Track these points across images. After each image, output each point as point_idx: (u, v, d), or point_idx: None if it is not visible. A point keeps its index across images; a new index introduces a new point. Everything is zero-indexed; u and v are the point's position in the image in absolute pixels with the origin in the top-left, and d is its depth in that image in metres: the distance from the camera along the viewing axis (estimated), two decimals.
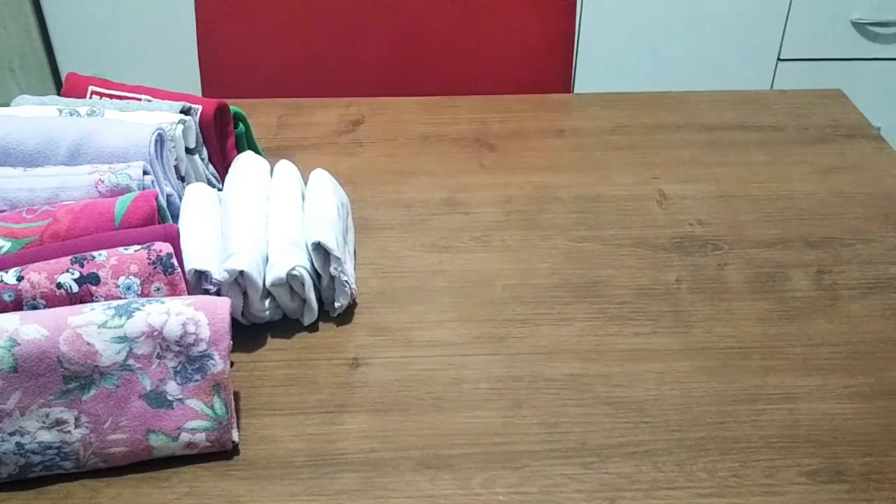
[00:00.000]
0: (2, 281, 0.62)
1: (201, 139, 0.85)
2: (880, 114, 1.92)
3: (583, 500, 0.59)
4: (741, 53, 1.94)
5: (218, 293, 0.70)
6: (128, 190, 0.71)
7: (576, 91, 1.60)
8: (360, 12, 1.25)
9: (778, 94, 1.11)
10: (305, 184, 0.82)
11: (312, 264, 0.73)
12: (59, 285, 0.62)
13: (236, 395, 0.64)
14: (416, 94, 1.10)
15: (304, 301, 0.73)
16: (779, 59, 1.95)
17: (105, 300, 0.63)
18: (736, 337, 0.73)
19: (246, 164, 0.83)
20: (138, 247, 0.65)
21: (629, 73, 1.95)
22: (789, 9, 1.88)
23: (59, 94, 0.89)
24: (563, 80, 1.29)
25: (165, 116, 0.81)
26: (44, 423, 0.59)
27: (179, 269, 0.65)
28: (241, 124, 0.90)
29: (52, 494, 0.60)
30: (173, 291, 0.65)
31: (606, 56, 1.94)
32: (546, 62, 1.27)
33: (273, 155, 0.96)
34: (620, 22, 1.90)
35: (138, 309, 0.60)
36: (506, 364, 0.69)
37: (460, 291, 0.78)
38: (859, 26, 1.90)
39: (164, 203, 0.73)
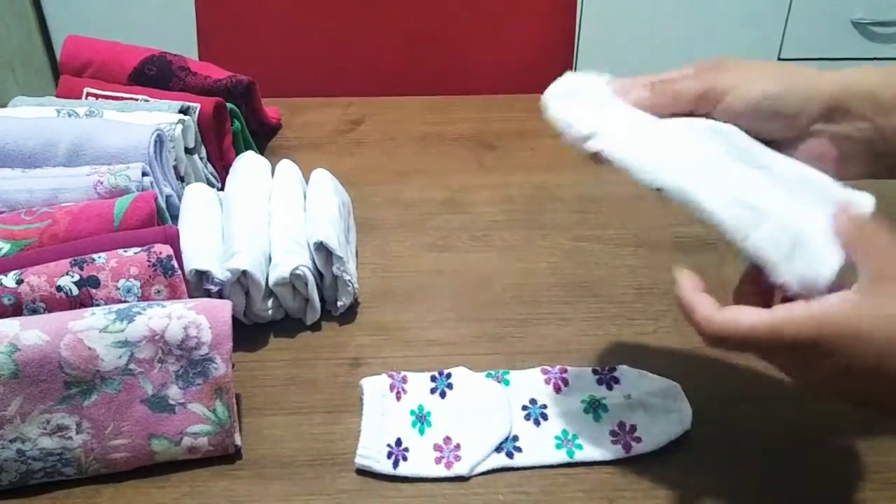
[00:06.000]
0: (1, 284, 0.62)
1: (200, 139, 0.85)
2: None
3: (583, 499, 0.59)
4: (741, 53, 1.93)
5: (220, 293, 0.70)
6: (127, 191, 0.71)
7: None
8: (361, 12, 1.25)
9: None
10: (306, 183, 0.82)
11: (314, 264, 0.73)
12: (59, 288, 0.62)
13: (237, 396, 0.64)
14: (416, 94, 1.10)
15: (307, 300, 0.73)
16: (779, 58, 1.95)
17: (105, 303, 0.63)
18: None
19: (247, 163, 0.83)
20: (138, 249, 0.65)
21: (629, 73, 1.95)
22: (789, 9, 1.88)
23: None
24: None
25: (164, 116, 0.81)
26: (45, 429, 0.58)
27: (179, 272, 0.65)
28: (236, 122, 0.90)
29: (53, 493, 0.60)
30: (173, 294, 0.65)
31: (606, 56, 1.94)
32: (546, 62, 1.27)
33: (273, 155, 0.96)
34: (620, 22, 1.90)
35: (139, 313, 0.60)
36: (506, 364, 0.69)
37: (460, 291, 0.78)
38: (860, 26, 1.90)
39: (163, 204, 0.73)
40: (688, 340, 0.72)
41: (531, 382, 0.67)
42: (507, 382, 0.67)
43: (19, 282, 0.62)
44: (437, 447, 0.62)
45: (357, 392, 0.66)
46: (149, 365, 0.60)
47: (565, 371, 0.68)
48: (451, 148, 0.99)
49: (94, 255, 0.64)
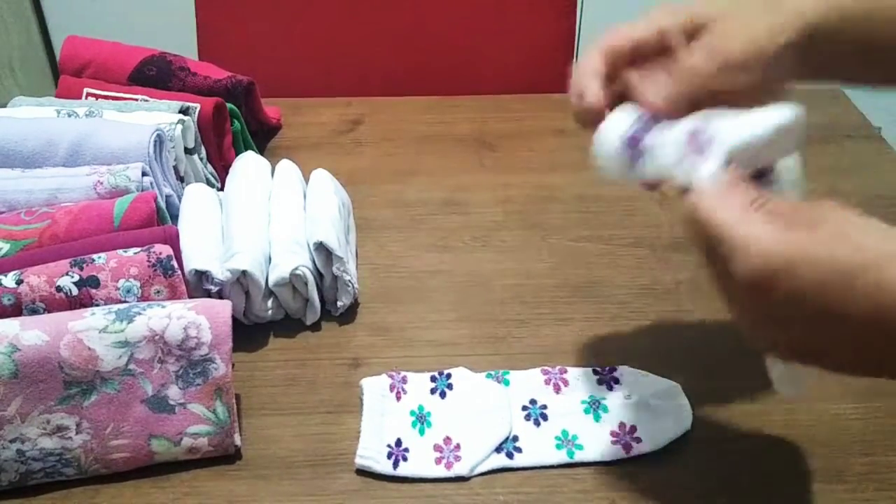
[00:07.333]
0: (1, 284, 0.62)
1: (200, 139, 0.85)
2: (880, 114, 1.92)
3: (583, 500, 0.59)
4: None
5: (220, 293, 0.70)
6: (127, 191, 0.71)
7: None
8: (361, 12, 1.25)
9: None
10: (306, 183, 0.82)
11: (314, 264, 0.73)
12: (59, 288, 0.62)
13: (237, 396, 0.64)
14: (416, 94, 1.10)
15: (307, 301, 0.73)
16: None
17: (105, 303, 0.63)
18: (736, 337, 0.73)
19: (247, 164, 0.83)
20: (138, 249, 0.65)
21: None
22: None
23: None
24: (563, 80, 1.29)
25: (164, 116, 0.81)
26: (45, 429, 0.58)
27: (179, 272, 0.65)
28: (236, 122, 0.90)
29: (53, 493, 0.60)
30: (173, 294, 0.65)
31: None
32: (546, 62, 1.27)
33: (273, 155, 0.96)
34: (620, 23, 1.90)
35: (139, 313, 0.60)
36: (506, 364, 0.69)
37: (460, 291, 0.78)
38: None
39: (163, 204, 0.73)
40: (688, 340, 0.72)
41: (531, 383, 0.67)
42: (507, 383, 0.67)
43: (19, 282, 0.62)
44: (437, 447, 0.62)
45: (357, 392, 0.66)
46: (148, 365, 0.60)
47: (565, 371, 0.68)
48: (451, 148, 0.99)
49: (94, 256, 0.64)
